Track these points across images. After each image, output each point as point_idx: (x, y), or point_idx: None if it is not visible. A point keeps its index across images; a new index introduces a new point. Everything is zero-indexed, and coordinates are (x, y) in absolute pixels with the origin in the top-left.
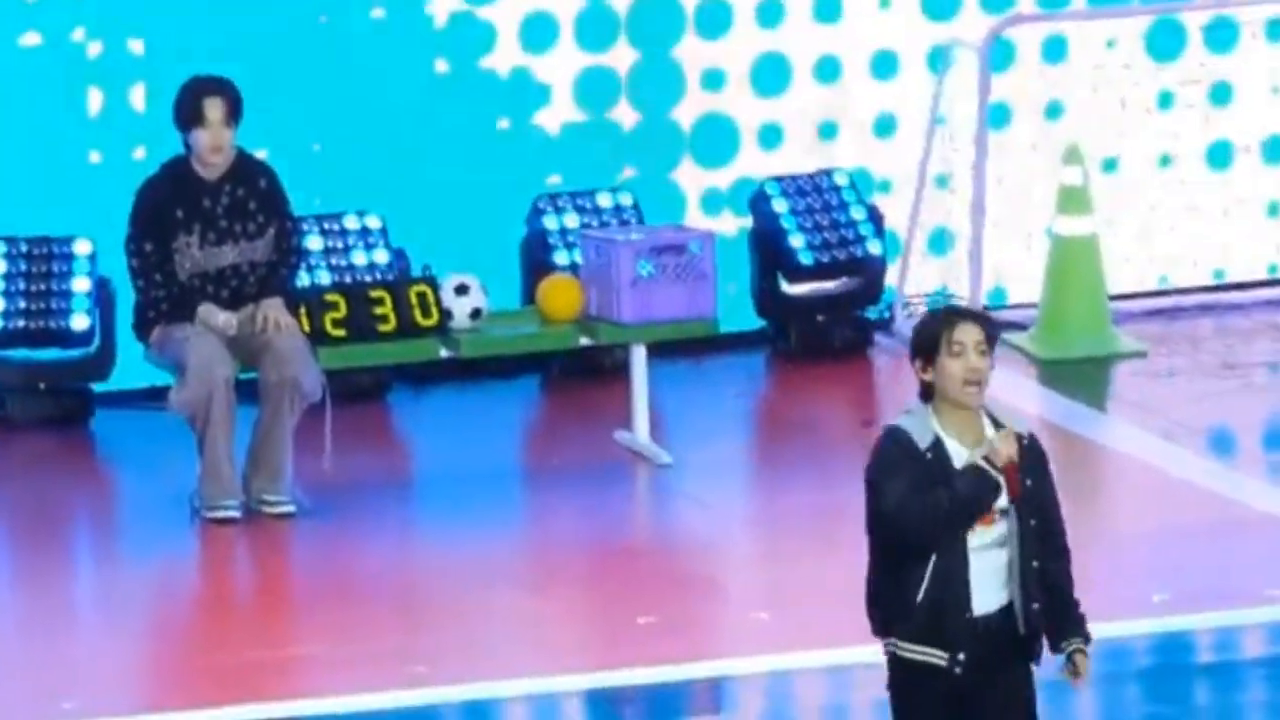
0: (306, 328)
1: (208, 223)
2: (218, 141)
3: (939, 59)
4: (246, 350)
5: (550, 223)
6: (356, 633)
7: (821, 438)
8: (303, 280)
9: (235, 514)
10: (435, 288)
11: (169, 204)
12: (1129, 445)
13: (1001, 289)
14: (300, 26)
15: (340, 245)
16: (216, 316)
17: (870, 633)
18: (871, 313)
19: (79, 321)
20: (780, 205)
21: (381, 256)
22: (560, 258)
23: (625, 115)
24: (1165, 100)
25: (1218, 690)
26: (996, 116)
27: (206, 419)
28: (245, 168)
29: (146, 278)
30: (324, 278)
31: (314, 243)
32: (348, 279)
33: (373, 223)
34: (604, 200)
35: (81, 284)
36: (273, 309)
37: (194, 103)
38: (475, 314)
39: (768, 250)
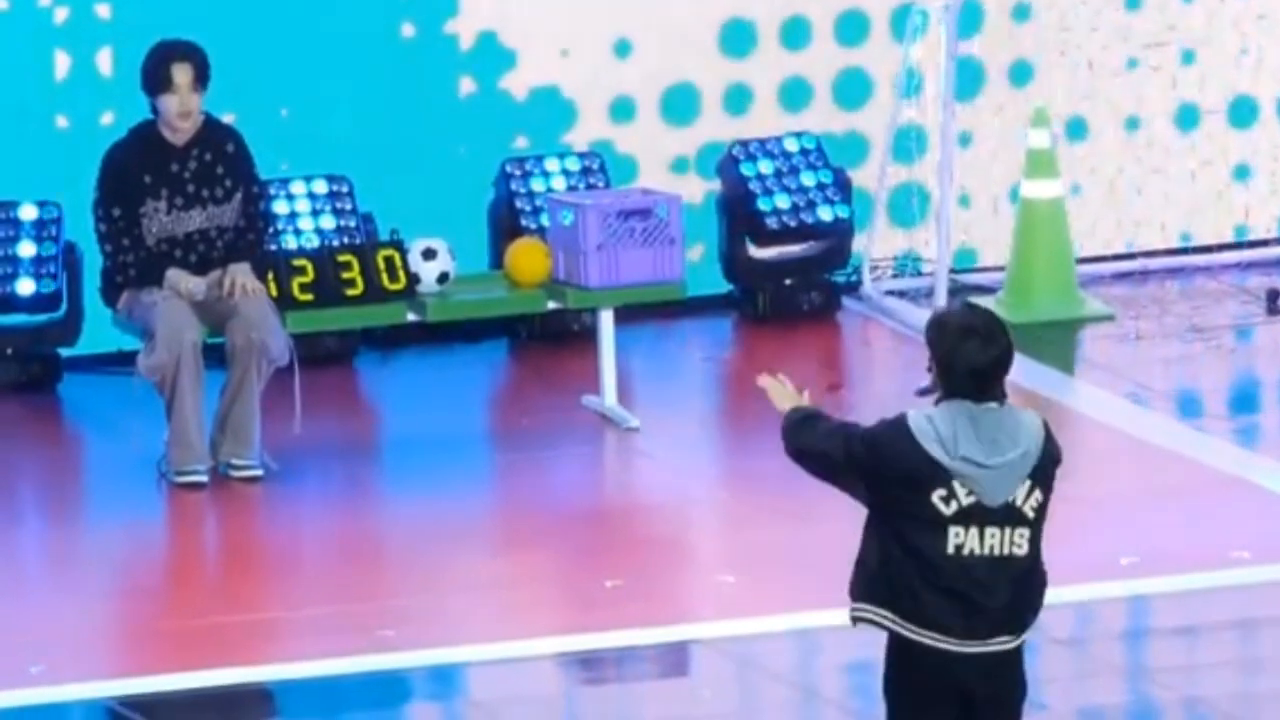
0: (274, 292)
1: (175, 188)
2: (186, 107)
3: (906, 21)
4: (214, 315)
5: (518, 187)
6: (324, 597)
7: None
8: (270, 245)
9: (203, 478)
10: (403, 252)
11: (136, 169)
12: (1097, 409)
13: (969, 252)
14: None
15: (308, 209)
16: (184, 281)
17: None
18: (839, 277)
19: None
20: (747, 169)
21: (349, 221)
22: (528, 222)
23: (592, 79)
24: (1132, 63)
25: (1185, 652)
26: (964, 79)
27: (174, 384)
28: (213, 132)
29: (114, 243)
30: (290, 242)
31: (280, 207)
32: (315, 243)
33: (340, 187)
34: (572, 164)
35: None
36: (240, 274)
37: (162, 68)
38: (443, 278)
39: (735, 214)
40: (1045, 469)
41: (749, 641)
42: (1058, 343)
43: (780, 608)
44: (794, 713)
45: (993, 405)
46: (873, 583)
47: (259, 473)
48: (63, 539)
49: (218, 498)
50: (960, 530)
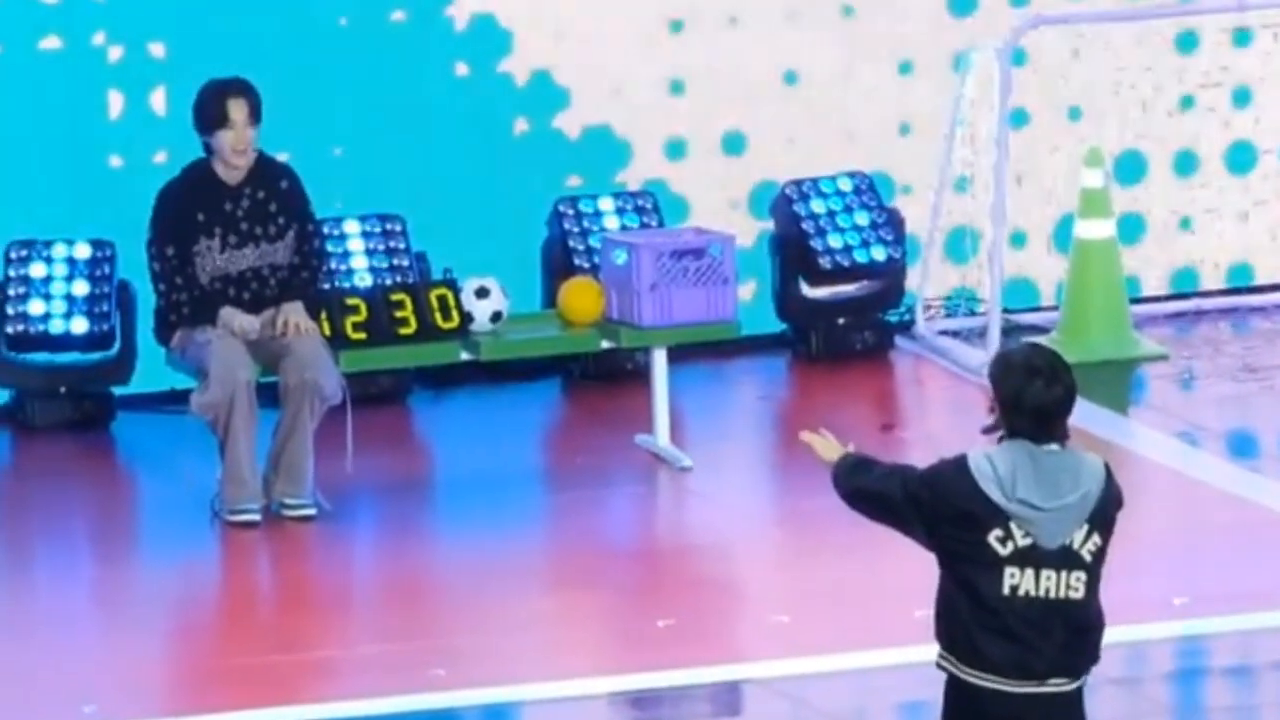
0: (328, 331)
1: (228, 226)
2: (242, 142)
3: (960, 60)
4: (267, 353)
5: (571, 226)
6: (376, 636)
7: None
8: (323, 283)
9: (256, 517)
10: (456, 291)
11: (190, 207)
12: (1149, 448)
13: (1022, 291)
14: (321, 29)
15: (361, 248)
16: (237, 320)
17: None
18: (892, 316)
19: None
20: (800, 208)
21: (402, 260)
22: (581, 261)
23: (647, 118)
24: (1186, 103)
25: (1238, 692)
26: (1017, 118)
27: (228, 422)
28: (266, 170)
29: (168, 281)
30: (344, 281)
31: (333, 246)
32: (369, 282)
33: (394, 226)
34: (625, 203)
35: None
36: (293, 313)
37: (217, 104)
38: (496, 317)
39: (788, 253)
40: (1105, 512)
41: (803, 681)
42: (1111, 382)
43: (834, 647)
44: None
45: (1054, 447)
46: (938, 625)
47: (312, 512)
48: (116, 578)
49: (271, 537)
50: (1016, 571)
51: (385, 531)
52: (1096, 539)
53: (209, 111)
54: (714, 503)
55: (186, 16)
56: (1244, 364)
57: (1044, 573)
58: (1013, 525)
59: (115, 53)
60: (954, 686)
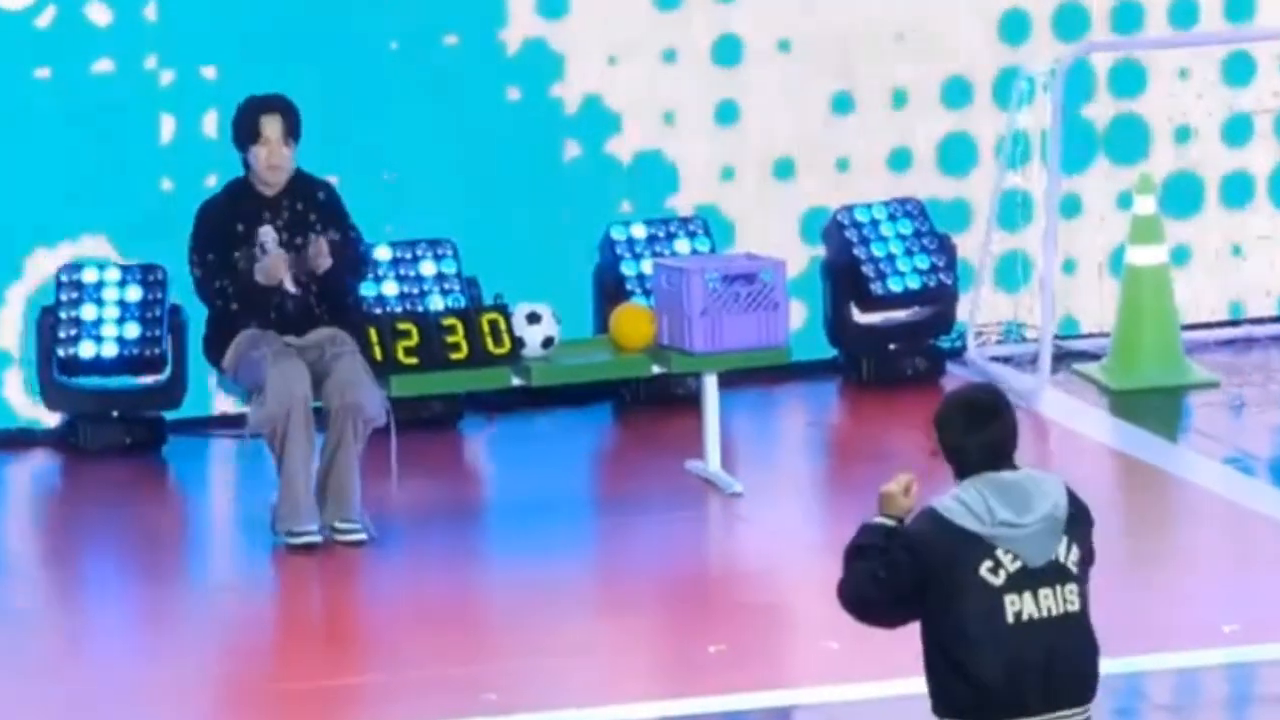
0: (379, 355)
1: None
2: (275, 159)
3: (1011, 87)
4: (310, 374)
5: (622, 251)
6: (427, 660)
7: (893, 467)
8: (375, 308)
9: (316, 539)
10: (507, 316)
11: (229, 219)
12: (1200, 476)
13: (1073, 319)
14: (372, 53)
15: (412, 274)
16: (266, 236)
17: None
18: (944, 342)
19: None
20: (852, 234)
21: (453, 285)
22: (633, 286)
23: (699, 143)
24: (1237, 129)
25: None
26: (1069, 144)
27: (285, 437)
28: (304, 183)
29: (211, 280)
30: (396, 306)
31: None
32: (419, 307)
33: (444, 250)
34: (676, 228)
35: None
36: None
37: (251, 120)
38: (547, 342)
39: (839, 279)
40: (1076, 524)
41: (853, 707)
42: (1162, 409)
43: (884, 674)
44: None
45: (1014, 472)
46: (940, 700)
47: (362, 537)
48: (166, 601)
49: (321, 561)
50: (1015, 597)
51: (436, 556)
52: (1076, 550)
53: (243, 127)
54: (764, 528)
55: (238, 40)
56: None
57: (1041, 592)
58: (999, 552)
59: (167, 76)
60: None
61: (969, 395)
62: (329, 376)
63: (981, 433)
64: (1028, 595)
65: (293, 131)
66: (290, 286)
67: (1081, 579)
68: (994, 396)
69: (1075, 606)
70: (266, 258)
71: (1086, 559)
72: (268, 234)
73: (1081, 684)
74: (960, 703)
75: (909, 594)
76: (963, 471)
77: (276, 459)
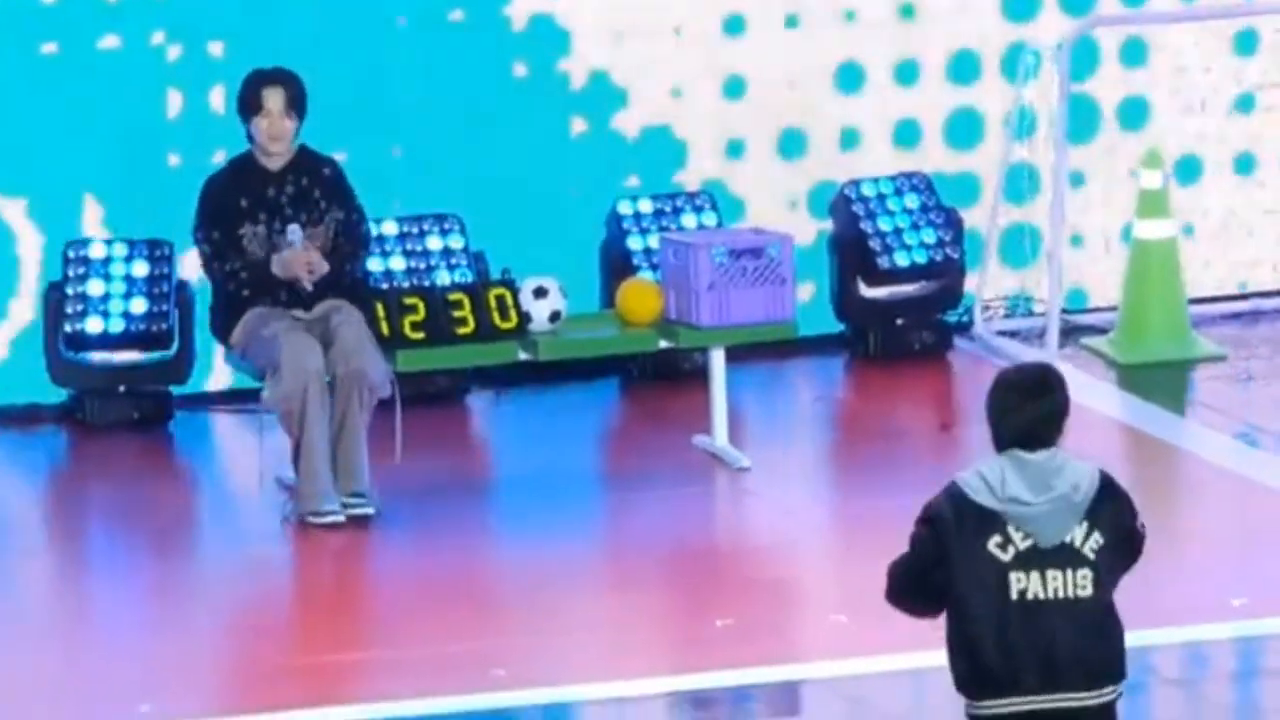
0: (385, 330)
1: (273, 212)
2: (277, 131)
3: (1018, 61)
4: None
5: (629, 226)
6: (435, 636)
7: (900, 441)
8: (382, 283)
9: (340, 517)
10: (514, 291)
11: (234, 194)
12: (1208, 449)
13: (1081, 292)
14: (379, 29)
15: (419, 248)
16: (288, 252)
17: None
18: (951, 317)
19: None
20: (859, 209)
21: (460, 259)
22: (639, 261)
23: (706, 119)
24: (1245, 103)
25: None
26: (1076, 119)
27: (303, 413)
28: (309, 159)
29: (219, 260)
30: (403, 280)
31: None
32: (426, 282)
33: (451, 225)
34: (683, 203)
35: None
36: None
37: (254, 92)
38: (554, 317)
39: (846, 254)
40: (1107, 512)
41: (860, 681)
42: (1169, 383)
43: (893, 647)
44: None
45: (1042, 453)
46: (956, 668)
47: (371, 511)
48: (173, 576)
49: (327, 536)
50: (1021, 575)
51: (444, 531)
52: (1099, 537)
53: (246, 99)
54: (772, 503)
55: (245, 16)
56: None
57: (1049, 573)
58: (1010, 528)
59: (174, 52)
60: None
61: (1018, 373)
62: (332, 344)
63: (1017, 411)
64: (1035, 575)
65: (295, 104)
66: (308, 285)
67: (1099, 566)
68: (1042, 377)
69: (1087, 592)
70: (289, 251)
71: (1115, 547)
72: (295, 232)
73: (1085, 670)
74: (963, 677)
75: (932, 568)
76: (997, 446)
77: (294, 437)
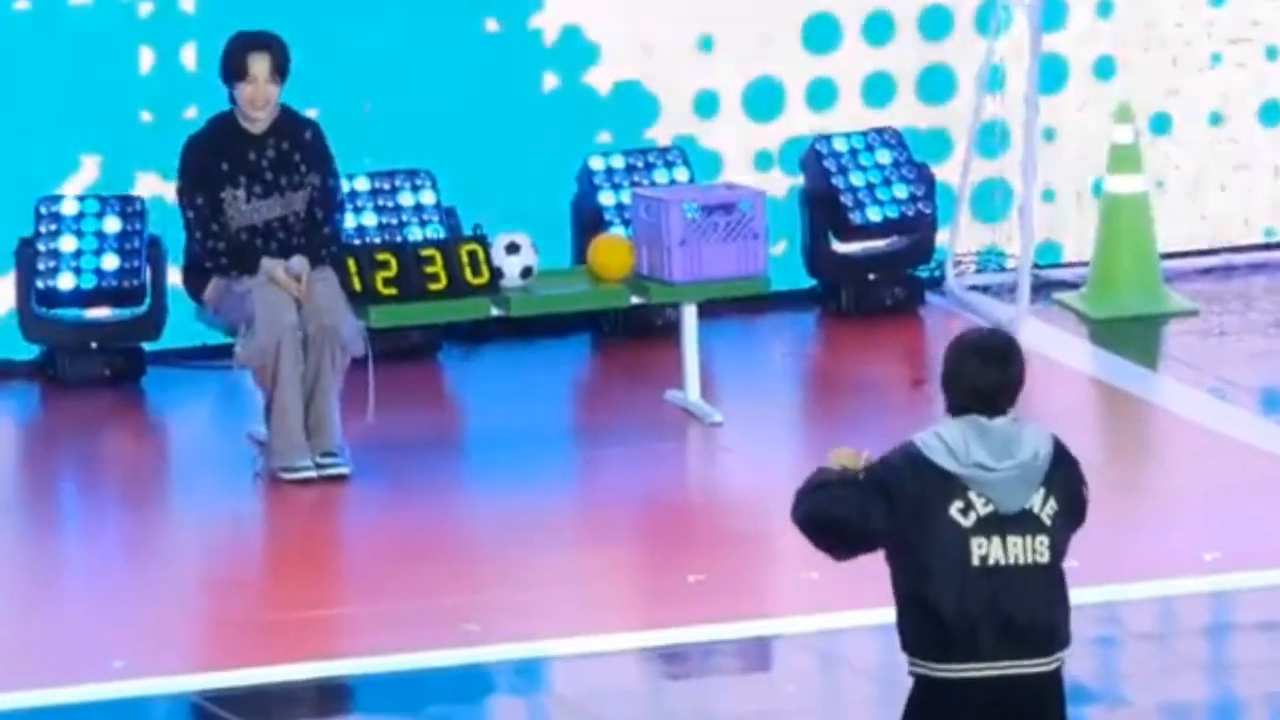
0: (357, 286)
1: (253, 176)
2: (261, 97)
3: (990, 15)
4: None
5: (600, 181)
6: (408, 592)
7: (872, 397)
8: (354, 238)
9: (312, 474)
10: (486, 246)
11: (214, 157)
12: (1180, 404)
13: (1052, 247)
14: None
15: (391, 204)
16: (280, 269)
17: None
18: (922, 272)
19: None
20: (830, 164)
21: (432, 215)
22: (611, 217)
23: (678, 74)
24: (1217, 58)
25: (1268, 647)
26: (1047, 74)
27: (275, 370)
28: (290, 122)
29: (203, 229)
30: (375, 236)
31: (363, 202)
32: (398, 238)
33: (423, 181)
34: (655, 159)
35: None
36: (302, 266)
37: (239, 57)
38: (526, 272)
39: (818, 209)
40: (1057, 477)
41: (832, 636)
42: (1141, 338)
43: (864, 603)
44: (877, 708)
45: (1000, 419)
46: (904, 630)
47: (345, 470)
48: (145, 533)
49: (301, 492)
50: (983, 540)
51: (416, 488)
52: (1053, 503)
53: (231, 64)
54: (744, 458)
55: None
56: (1275, 319)
57: (1010, 539)
58: (971, 494)
59: (145, 8)
60: (925, 690)
61: (980, 338)
62: (305, 303)
63: (981, 375)
64: (996, 540)
65: (280, 69)
66: (296, 293)
67: (1055, 531)
68: (1004, 345)
69: (1045, 559)
70: (284, 272)
71: (1067, 513)
72: (299, 262)
73: (1041, 636)
74: (919, 639)
75: (877, 518)
76: (954, 410)
77: (266, 394)
